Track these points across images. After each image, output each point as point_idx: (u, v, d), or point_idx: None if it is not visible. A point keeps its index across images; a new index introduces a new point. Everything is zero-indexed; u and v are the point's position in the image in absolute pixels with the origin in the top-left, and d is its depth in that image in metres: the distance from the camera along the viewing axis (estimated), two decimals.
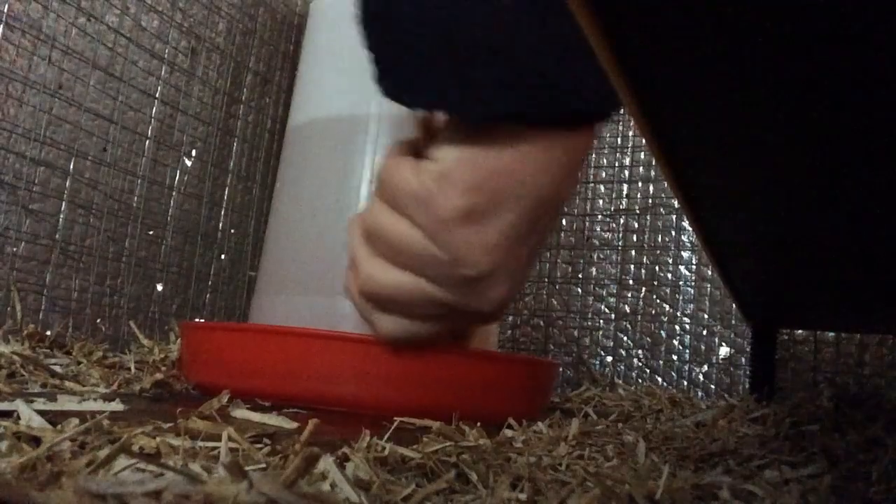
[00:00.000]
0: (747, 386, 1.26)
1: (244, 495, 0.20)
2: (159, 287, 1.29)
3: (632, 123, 1.46)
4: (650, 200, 1.44)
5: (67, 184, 1.11)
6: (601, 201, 1.48)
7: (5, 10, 1.01)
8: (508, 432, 0.64)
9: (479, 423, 0.62)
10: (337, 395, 0.74)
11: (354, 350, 0.73)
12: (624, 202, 1.46)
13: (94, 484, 0.21)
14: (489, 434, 0.60)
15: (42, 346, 0.95)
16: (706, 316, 1.36)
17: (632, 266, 1.43)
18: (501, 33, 0.45)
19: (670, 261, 1.40)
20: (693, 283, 1.38)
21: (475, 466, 0.43)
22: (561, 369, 1.42)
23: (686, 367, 1.36)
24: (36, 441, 0.38)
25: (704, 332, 1.36)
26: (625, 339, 1.41)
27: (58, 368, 0.78)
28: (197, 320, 1.37)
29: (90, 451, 0.35)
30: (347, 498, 0.21)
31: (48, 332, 1.02)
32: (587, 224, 1.48)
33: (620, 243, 1.45)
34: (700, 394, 1.33)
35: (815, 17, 0.33)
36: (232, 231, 1.47)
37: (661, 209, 1.43)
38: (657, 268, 1.41)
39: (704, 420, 0.86)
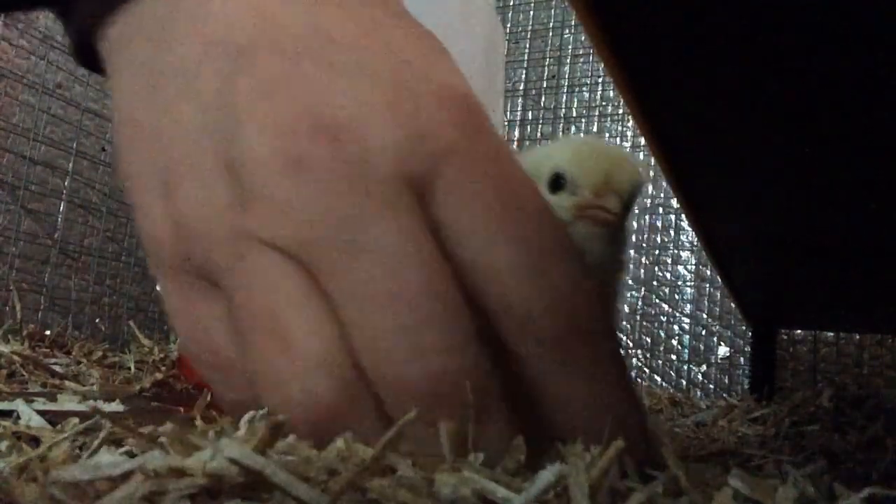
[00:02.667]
0: (747, 386, 1.26)
1: (213, 463, 0.19)
2: (159, 287, 1.29)
3: (632, 123, 1.46)
4: (650, 200, 1.44)
5: (66, 183, 1.11)
6: None
7: None
8: None
9: None
10: None
11: None
12: None
13: (66, 473, 0.21)
14: None
15: (42, 345, 0.95)
16: (705, 316, 1.36)
17: (631, 266, 1.43)
18: None
19: (670, 261, 1.40)
20: (692, 283, 1.38)
21: None
22: None
23: (685, 367, 1.36)
24: (36, 441, 0.38)
25: (704, 333, 1.36)
26: (624, 339, 1.41)
27: (58, 368, 0.78)
28: None
29: (79, 449, 0.35)
30: (319, 461, 0.21)
31: (48, 332, 1.02)
32: None
33: None
34: (700, 394, 1.33)
35: (815, 17, 0.33)
36: None
37: (661, 209, 1.43)
38: (657, 268, 1.41)
39: (704, 420, 0.86)
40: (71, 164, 1.12)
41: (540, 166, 0.37)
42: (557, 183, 0.36)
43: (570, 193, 0.36)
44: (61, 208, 1.11)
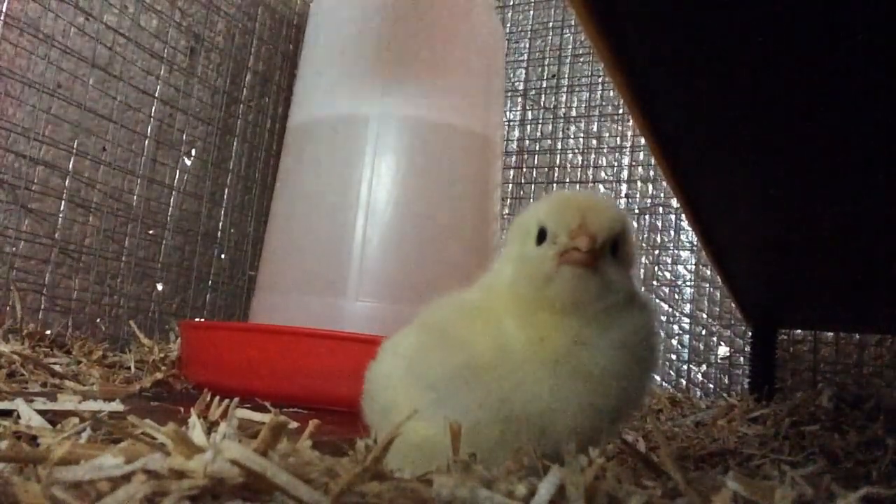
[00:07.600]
0: (746, 386, 1.26)
1: (214, 464, 0.19)
2: (159, 286, 1.29)
3: (632, 123, 1.46)
4: (650, 200, 1.44)
5: (67, 183, 1.11)
6: None
7: (4, 10, 1.01)
8: None
9: None
10: (337, 395, 0.73)
11: (354, 350, 0.73)
12: (624, 202, 1.46)
13: (68, 473, 0.21)
14: None
15: (42, 345, 0.95)
16: (705, 316, 1.36)
17: None
18: None
19: (669, 261, 1.40)
20: (692, 283, 1.38)
21: None
22: None
23: (685, 367, 1.36)
24: (35, 441, 0.38)
25: (703, 332, 1.36)
26: None
27: (58, 368, 0.78)
28: (197, 319, 1.37)
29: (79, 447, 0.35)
30: (319, 463, 0.21)
31: (48, 332, 1.02)
32: None
33: None
34: (699, 393, 1.33)
35: (815, 18, 0.33)
36: (232, 231, 1.47)
37: (661, 209, 1.43)
38: (657, 267, 1.41)
39: (704, 420, 0.86)
40: (71, 164, 1.12)
41: (528, 224, 0.41)
42: (542, 235, 0.40)
43: (552, 242, 0.39)
44: (62, 208, 1.11)
